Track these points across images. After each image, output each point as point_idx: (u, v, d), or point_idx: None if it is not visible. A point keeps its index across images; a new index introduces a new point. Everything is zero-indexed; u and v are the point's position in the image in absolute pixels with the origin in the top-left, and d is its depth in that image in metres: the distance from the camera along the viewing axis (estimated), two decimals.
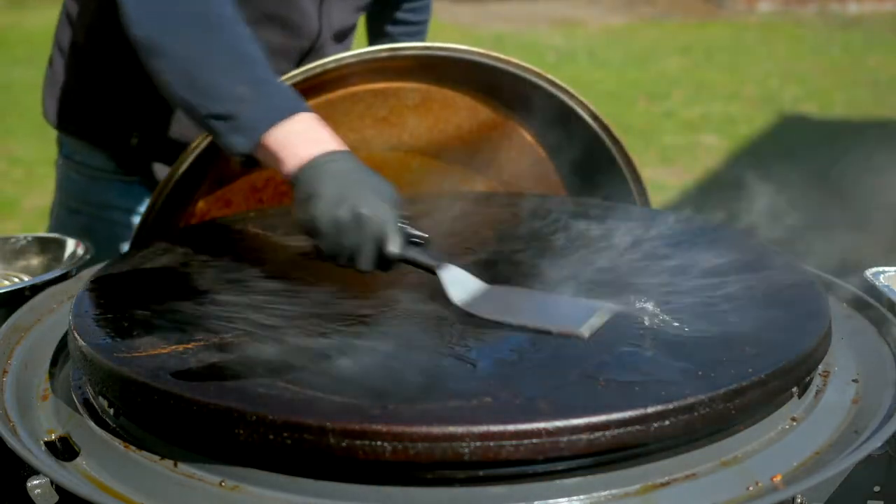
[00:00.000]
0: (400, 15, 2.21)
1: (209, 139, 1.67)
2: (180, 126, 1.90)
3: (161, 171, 1.94)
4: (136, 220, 1.93)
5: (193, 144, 1.69)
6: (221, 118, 1.44)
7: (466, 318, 1.31)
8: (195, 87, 1.47)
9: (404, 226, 1.39)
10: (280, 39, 1.85)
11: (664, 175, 5.86)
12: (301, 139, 1.42)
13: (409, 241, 1.40)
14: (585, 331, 1.25)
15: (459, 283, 1.38)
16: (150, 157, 1.94)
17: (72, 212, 2.04)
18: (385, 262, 1.38)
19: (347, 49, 2.05)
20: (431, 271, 1.39)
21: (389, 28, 2.23)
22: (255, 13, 1.76)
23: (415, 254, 1.40)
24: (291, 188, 1.43)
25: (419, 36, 2.25)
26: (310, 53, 1.92)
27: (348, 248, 1.37)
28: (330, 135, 1.45)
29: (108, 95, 1.94)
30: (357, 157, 1.44)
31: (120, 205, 1.98)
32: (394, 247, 1.37)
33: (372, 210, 1.36)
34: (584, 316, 1.29)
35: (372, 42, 2.23)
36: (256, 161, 1.47)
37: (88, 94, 1.96)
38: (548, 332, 1.26)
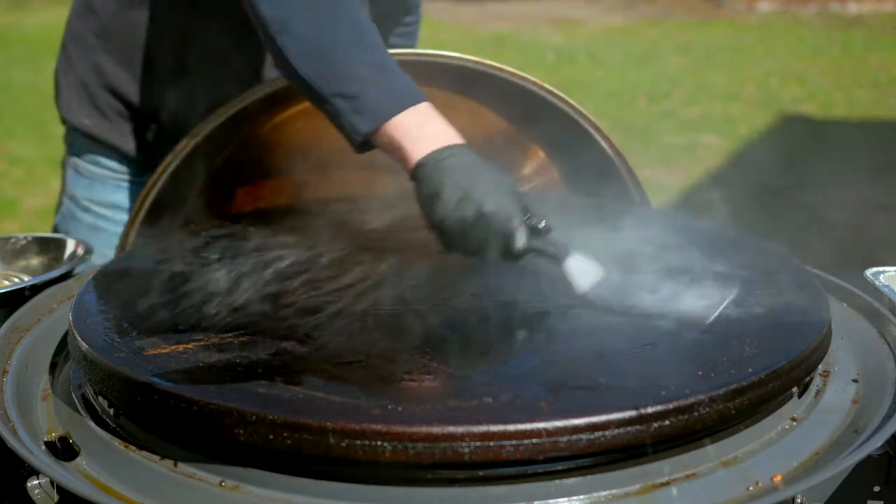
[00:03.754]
0: (394, 40, 2.23)
1: (197, 140, 1.67)
2: (197, 119, 1.90)
3: None
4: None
5: (179, 147, 1.69)
6: (346, 97, 1.44)
7: (469, 318, 1.31)
8: (321, 63, 1.46)
9: (527, 217, 1.40)
10: None
11: (664, 175, 5.86)
12: (421, 132, 1.42)
13: (533, 230, 1.40)
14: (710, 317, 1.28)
15: (584, 273, 1.39)
16: (164, 152, 1.95)
17: (79, 211, 2.04)
18: (511, 254, 1.39)
19: None
20: (557, 262, 1.40)
21: None
22: None
23: (540, 245, 1.41)
24: (413, 182, 1.42)
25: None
26: None
27: (476, 245, 1.39)
28: (446, 126, 1.44)
29: (128, 85, 1.93)
30: (474, 150, 1.43)
31: (129, 206, 1.98)
32: (520, 242, 1.38)
33: (496, 207, 1.36)
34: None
35: None
36: (372, 147, 1.47)
37: (108, 85, 1.95)
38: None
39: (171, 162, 1.71)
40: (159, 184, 1.72)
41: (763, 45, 10.16)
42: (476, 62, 1.78)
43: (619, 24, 11.63)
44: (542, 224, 1.41)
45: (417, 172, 1.41)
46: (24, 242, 1.78)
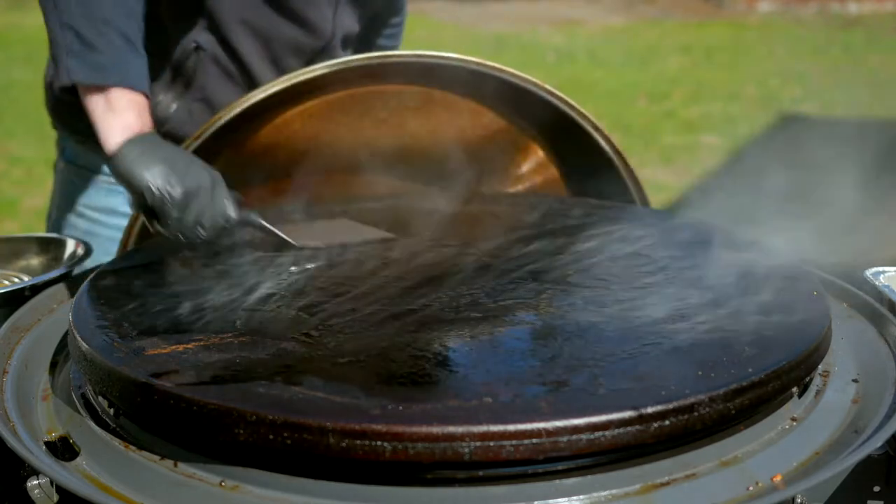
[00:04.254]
0: (380, 41, 2.23)
1: (203, 139, 1.67)
2: (188, 124, 1.90)
3: None
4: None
5: (185, 144, 1.69)
6: (82, 40, 1.52)
7: (468, 318, 1.31)
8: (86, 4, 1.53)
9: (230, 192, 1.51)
10: (299, 36, 1.89)
11: (664, 175, 5.86)
12: (130, 112, 1.53)
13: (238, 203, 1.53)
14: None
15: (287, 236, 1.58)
16: None
17: (73, 217, 2.04)
18: (227, 225, 1.50)
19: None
20: (261, 227, 1.55)
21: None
22: (279, 9, 1.83)
23: (247, 215, 1.54)
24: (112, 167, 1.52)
25: None
26: (321, 53, 1.94)
27: (191, 223, 1.47)
28: (149, 120, 1.56)
29: None
30: (160, 138, 1.55)
31: (123, 210, 1.98)
32: (231, 211, 1.50)
33: (197, 182, 1.47)
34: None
35: None
36: (76, 96, 1.57)
37: None
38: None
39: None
40: None
41: (763, 45, 10.16)
42: (477, 63, 1.78)
43: (619, 25, 11.63)
44: (239, 196, 1.53)
45: (114, 163, 1.50)
46: (24, 242, 1.78)
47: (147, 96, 1.57)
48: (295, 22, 1.88)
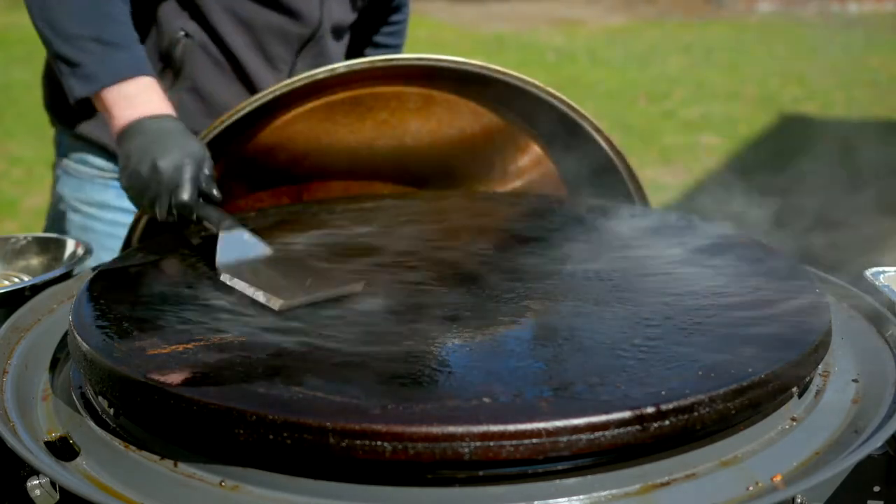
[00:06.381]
0: (380, 39, 2.23)
1: (205, 140, 1.67)
2: (187, 121, 1.90)
3: None
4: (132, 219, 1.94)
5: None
6: (69, 63, 1.64)
7: (469, 318, 1.31)
8: (53, 27, 1.65)
9: (203, 183, 1.56)
10: (285, 24, 1.89)
11: (664, 175, 5.86)
12: (130, 102, 1.62)
13: (206, 200, 1.56)
14: (276, 304, 1.31)
15: (234, 248, 1.47)
16: None
17: (69, 212, 2.04)
18: (178, 208, 1.55)
19: (343, 50, 2.07)
20: (216, 229, 1.50)
21: (371, 52, 2.24)
22: None
23: (207, 211, 1.54)
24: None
25: None
26: (310, 42, 1.93)
27: (148, 197, 1.55)
28: (155, 99, 1.63)
29: None
30: (179, 122, 1.61)
31: (117, 205, 1.98)
32: (184, 195, 1.54)
33: (169, 163, 1.54)
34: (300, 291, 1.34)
35: None
36: (92, 106, 1.68)
37: None
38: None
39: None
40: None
41: (763, 45, 10.16)
42: (479, 66, 1.78)
43: (619, 25, 11.63)
44: (214, 193, 1.57)
45: (119, 137, 1.61)
46: (24, 242, 1.78)
47: (149, 75, 1.66)
48: (280, 10, 1.88)
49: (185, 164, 1.55)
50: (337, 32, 2.01)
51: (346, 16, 2.01)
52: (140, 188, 1.56)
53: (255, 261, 1.46)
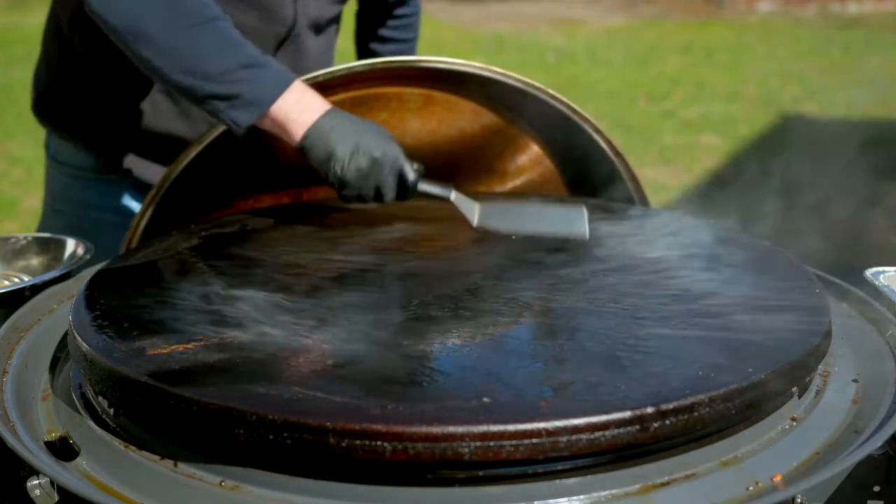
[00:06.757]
0: (386, 33, 2.21)
1: (206, 141, 1.67)
2: (161, 121, 1.90)
3: (141, 166, 1.95)
4: (118, 218, 1.94)
5: (180, 157, 1.70)
6: (221, 98, 1.59)
7: (469, 318, 1.31)
8: (191, 71, 1.58)
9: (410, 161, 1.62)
10: (253, 22, 1.84)
11: (664, 175, 5.86)
12: (298, 108, 1.61)
13: (416, 172, 1.64)
14: (586, 233, 1.56)
15: (469, 206, 1.65)
16: (130, 152, 1.95)
17: (56, 212, 2.05)
18: (404, 192, 1.63)
19: (329, 43, 2.05)
20: (444, 198, 1.65)
21: (377, 47, 2.23)
22: None
23: (426, 185, 1.64)
24: (303, 153, 1.62)
25: (408, 53, 2.24)
26: (286, 41, 1.91)
27: (373, 187, 1.61)
28: (317, 96, 1.63)
29: (90, 90, 1.93)
30: (342, 110, 1.64)
31: (100, 203, 1.98)
32: (411, 175, 1.62)
33: (383, 151, 1.60)
34: (578, 220, 1.59)
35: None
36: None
37: (70, 89, 1.95)
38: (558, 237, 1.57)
39: (172, 172, 1.71)
40: (159, 196, 1.73)
41: (763, 45, 10.16)
42: (480, 68, 1.78)
43: (619, 25, 11.63)
44: (420, 166, 1.65)
45: (305, 142, 1.61)
46: (24, 242, 1.78)
47: (295, 77, 1.64)
48: (251, 9, 1.84)
49: (395, 148, 1.61)
50: (316, 28, 1.98)
51: (326, 10, 1.97)
52: (362, 179, 1.60)
53: (489, 211, 1.65)
